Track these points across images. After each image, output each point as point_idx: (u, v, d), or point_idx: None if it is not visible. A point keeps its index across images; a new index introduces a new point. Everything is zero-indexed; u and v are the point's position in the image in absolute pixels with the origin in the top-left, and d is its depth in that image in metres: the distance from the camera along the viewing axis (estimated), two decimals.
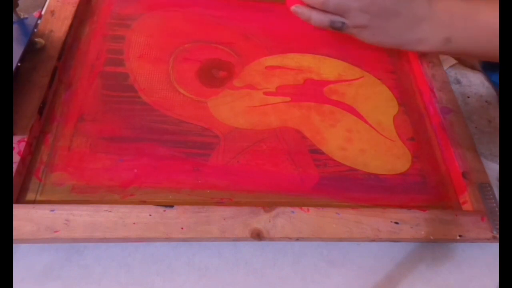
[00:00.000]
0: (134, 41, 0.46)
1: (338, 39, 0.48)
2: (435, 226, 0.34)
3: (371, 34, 0.36)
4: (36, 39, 0.40)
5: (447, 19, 0.35)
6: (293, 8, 0.37)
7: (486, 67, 0.48)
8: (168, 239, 0.31)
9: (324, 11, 0.36)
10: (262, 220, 0.32)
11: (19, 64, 0.37)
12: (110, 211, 0.31)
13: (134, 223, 0.31)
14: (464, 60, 0.51)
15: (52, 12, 0.44)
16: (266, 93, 0.44)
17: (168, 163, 0.37)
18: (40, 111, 0.37)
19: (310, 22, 0.37)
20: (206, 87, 0.43)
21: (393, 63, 0.49)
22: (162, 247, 0.33)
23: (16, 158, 0.33)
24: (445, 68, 0.49)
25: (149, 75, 0.43)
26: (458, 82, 0.49)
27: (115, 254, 0.32)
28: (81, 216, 0.31)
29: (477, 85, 0.49)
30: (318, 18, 0.36)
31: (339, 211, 0.34)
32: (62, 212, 0.31)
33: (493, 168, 0.41)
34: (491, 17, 0.34)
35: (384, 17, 0.35)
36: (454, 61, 0.51)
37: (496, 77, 0.47)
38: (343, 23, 0.36)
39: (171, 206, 0.32)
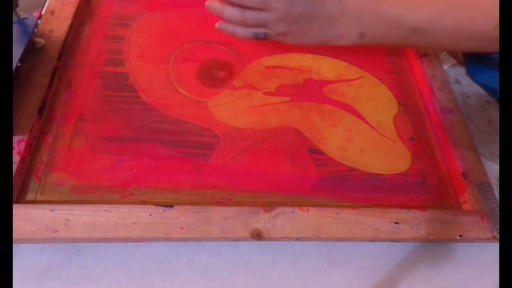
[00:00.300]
0: (134, 41, 0.46)
1: None
2: (435, 226, 0.34)
3: (295, 38, 0.39)
4: (36, 39, 0.40)
5: (357, 16, 0.38)
6: (217, 25, 0.39)
7: (470, 67, 0.49)
8: (168, 239, 0.31)
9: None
10: (262, 220, 0.32)
11: (19, 64, 0.37)
12: (110, 211, 0.31)
13: (134, 223, 0.31)
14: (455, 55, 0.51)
15: (52, 12, 0.44)
16: (266, 93, 0.44)
17: (168, 163, 0.37)
18: (40, 111, 0.37)
19: (235, 36, 0.39)
20: (206, 87, 0.43)
21: (393, 63, 0.49)
22: (162, 247, 0.33)
23: (16, 158, 0.33)
24: (445, 68, 0.49)
25: (149, 75, 0.43)
26: (458, 82, 0.49)
27: (115, 254, 0.32)
28: (81, 216, 0.31)
29: (477, 85, 0.49)
30: (241, 32, 0.38)
31: (339, 211, 0.34)
32: (62, 212, 0.31)
33: (493, 168, 0.41)
34: (393, 8, 0.37)
35: (301, 22, 0.37)
36: (454, 61, 0.51)
37: (481, 77, 0.48)
38: (265, 33, 0.38)
39: (171, 206, 0.32)
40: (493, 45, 0.35)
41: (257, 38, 0.38)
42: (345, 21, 0.38)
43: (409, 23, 0.37)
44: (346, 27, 0.38)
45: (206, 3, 0.38)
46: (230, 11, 0.37)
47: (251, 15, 0.37)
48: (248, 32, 0.38)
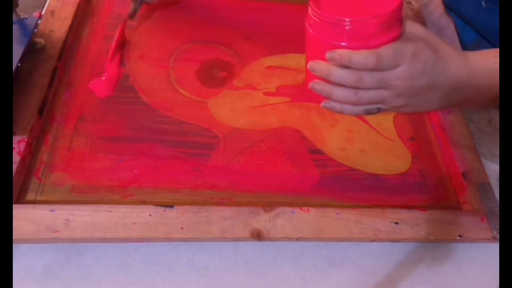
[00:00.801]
0: (134, 41, 0.46)
1: None
2: (435, 226, 0.34)
3: (411, 109, 0.33)
4: (36, 39, 0.40)
5: (489, 78, 0.33)
6: (323, 104, 0.33)
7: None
8: (168, 239, 0.31)
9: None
10: (262, 220, 0.32)
11: (19, 64, 0.37)
12: (110, 211, 0.31)
13: (134, 223, 0.31)
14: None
15: (52, 12, 0.44)
16: (266, 93, 0.44)
17: (168, 163, 0.37)
18: (40, 111, 0.37)
19: (343, 113, 0.34)
20: (206, 87, 0.43)
21: None
22: (162, 247, 0.33)
23: (16, 158, 0.33)
24: None
25: (149, 75, 0.43)
26: None
27: (115, 254, 0.32)
28: (81, 216, 0.31)
29: None
30: (351, 110, 0.33)
31: (339, 211, 0.34)
32: (62, 212, 0.31)
33: (493, 168, 0.41)
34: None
35: (422, 94, 0.32)
36: None
37: (467, 35, 0.46)
38: (379, 108, 0.33)
39: (171, 206, 0.32)
40: None
41: (368, 114, 0.33)
42: (473, 86, 0.33)
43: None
44: (473, 92, 0.33)
45: (310, 84, 0.33)
46: (341, 93, 0.32)
47: (367, 95, 0.32)
48: (359, 109, 0.33)
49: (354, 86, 0.31)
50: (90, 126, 0.38)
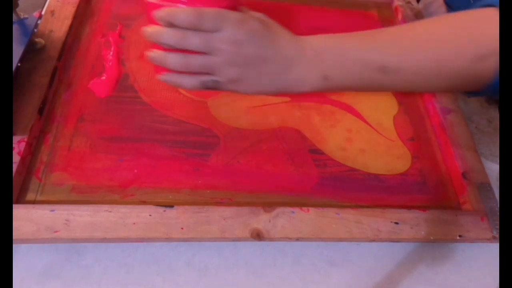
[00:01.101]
0: (134, 41, 0.46)
1: None
2: (435, 226, 0.34)
3: (249, 86, 0.33)
4: (36, 39, 0.40)
5: (318, 57, 0.33)
6: (162, 77, 0.33)
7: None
8: (168, 239, 0.31)
9: (192, 73, 0.33)
10: (262, 220, 0.32)
11: (19, 64, 0.37)
12: (110, 211, 0.31)
13: (134, 223, 0.31)
14: None
15: (52, 12, 0.44)
16: None
17: (168, 163, 0.37)
18: (40, 111, 0.37)
19: (183, 87, 0.34)
20: None
21: None
22: (162, 247, 0.33)
23: (16, 158, 0.33)
24: None
25: (149, 75, 0.43)
26: None
27: (115, 254, 0.32)
28: (81, 216, 0.31)
29: None
30: (188, 82, 0.33)
31: (339, 211, 0.34)
32: (62, 212, 0.31)
33: (493, 168, 0.41)
34: (357, 48, 0.33)
35: (254, 66, 0.33)
36: None
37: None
38: (215, 81, 0.33)
39: (171, 206, 0.32)
40: (473, 81, 0.32)
41: (206, 87, 0.33)
42: (305, 63, 0.33)
43: (375, 63, 0.33)
44: (306, 71, 0.33)
45: (148, 54, 0.32)
46: (173, 58, 0.32)
47: (195, 60, 0.32)
48: (195, 81, 0.33)
49: (182, 46, 0.31)
50: (90, 126, 0.38)
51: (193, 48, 0.31)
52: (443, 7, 0.52)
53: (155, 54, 0.32)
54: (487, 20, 0.31)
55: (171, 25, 0.30)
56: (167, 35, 0.31)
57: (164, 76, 0.33)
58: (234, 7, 0.32)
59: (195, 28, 0.30)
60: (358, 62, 0.33)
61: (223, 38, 0.31)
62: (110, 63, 0.43)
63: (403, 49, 0.33)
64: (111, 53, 0.44)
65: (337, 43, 0.34)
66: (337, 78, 0.34)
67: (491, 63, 0.31)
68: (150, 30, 0.31)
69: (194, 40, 0.31)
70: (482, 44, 0.31)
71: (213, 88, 0.33)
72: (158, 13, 0.30)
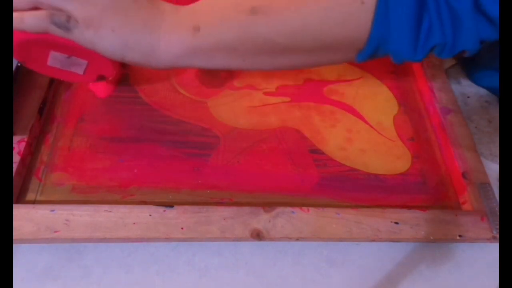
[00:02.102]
0: None
1: None
2: (435, 226, 0.34)
3: (108, 35, 0.28)
4: None
5: (190, 9, 0.30)
6: None
7: (473, 74, 0.47)
8: (168, 239, 0.31)
9: (37, 8, 0.27)
10: (262, 220, 0.32)
11: (19, 64, 0.37)
12: (110, 211, 0.31)
13: (134, 223, 0.31)
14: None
15: None
16: (266, 93, 0.44)
17: (168, 163, 0.37)
18: (40, 111, 0.37)
19: (24, 28, 0.28)
20: (206, 87, 0.43)
21: (393, 63, 0.49)
22: (162, 247, 0.33)
23: (16, 158, 0.33)
24: (445, 68, 0.49)
25: (149, 75, 0.43)
26: (458, 82, 0.49)
27: (115, 254, 0.32)
28: (81, 216, 0.31)
29: (477, 85, 0.49)
30: (33, 19, 0.27)
31: (339, 211, 0.34)
32: (62, 212, 0.31)
33: (493, 168, 0.41)
34: None
35: (117, 6, 0.27)
36: (454, 61, 0.51)
37: (487, 81, 0.46)
38: (67, 16, 0.27)
39: (171, 206, 0.32)
40: (362, 29, 0.29)
41: (54, 22, 0.27)
42: (177, 16, 0.30)
43: (246, 3, 0.29)
44: (177, 22, 0.30)
45: None
46: None
47: None
48: (43, 16, 0.27)
49: None
50: (90, 126, 0.38)
51: None
52: None
53: None
54: None
55: None
56: None
57: None
58: None
59: None
60: (229, 7, 0.30)
61: None
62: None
63: None
64: None
65: None
66: (208, 28, 0.30)
67: None
68: None
69: None
70: None
71: (63, 27, 0.27)
72: None
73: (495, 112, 0.46)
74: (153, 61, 0.30)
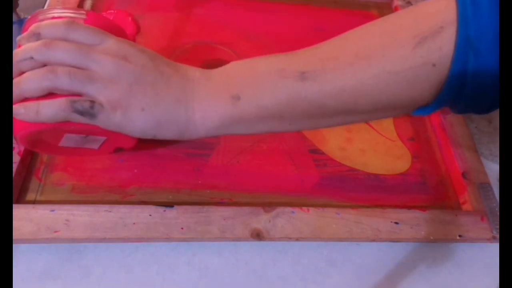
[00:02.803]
0: (135, 41, 0.46)
1: None
2: (435, 226, 0.34)
3: (136, 117, 0.25)
4: None
5: (225, 77, 0.28)
6: (14, 110, 0.25)
7: None
8: (168, 239, 0.31)
9: (53, 95, 0.24)
10: (262, 220, 0.32)
11: None
12: (110, 211, 0.31)
13: (134, 223, 0.31)
14: None
15: None
16: None
17: (168, 163, 0.37)
18: None
19: (42, 120, 0.24)
20: None
21: None
22: (162, 247, 0.33)
23: (16, 158, 0.33)
24: None
25: None
26: None
27: (115, 254, 0.32)
28: (81, 216, 0.31)
29: None
30: (50, 106, 0.24)
31: (339, 211, 0.34)
32: (62, 212, 0.31)
33: (493, 168, 0.41)
34: (270, 61, 0.28)
35: (143, 85, 0.25)
36: None
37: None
38: (90, 102, 0.24)
39: (171, 206, 0.32)
40: (422, 79, 0.25)
41: (76, 110, 0.24)
42: (211, 85, 0.28)
43: (292, 69, 0.26)
44: (213, 92, 0.27)
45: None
46: (31, 75, 0.24)
47: (64, 72, 0.23)
48: (63, 103, 0.24)
49: (47, 56, 0.23)
50: None
51: (63, 58, 0.23)
52: None
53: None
54: (431, 5, 0.25)
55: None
56: (25, 47, 0.23)
57: (19, 109, 0.24)
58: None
59: (64, 38, 0.24)
60: (273, 73, 0.27)
61: (105, 49, 0.24)
62: None
63: (324, 50, 0.27)
64: None
65: (248, 61, 0.29)
66: (249, 95, 0.27)
67: (439, 43, 0.24)
68: (15, 53, 0.24)
69: (65, 46, 0.23)
70: (423, 22, 0.25)
71: (87, 114, 0.24)
72: (20, 36, 0.24)
73: (495, 112, 0.46)
74: (187, 135, 0.28)
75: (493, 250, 0.36)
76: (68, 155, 0.34)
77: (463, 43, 0.24)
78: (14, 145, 0.33)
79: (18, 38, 0.24)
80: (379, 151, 0.41)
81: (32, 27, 0.24)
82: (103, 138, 0.30)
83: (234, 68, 0.29)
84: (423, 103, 0.28)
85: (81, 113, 0.24)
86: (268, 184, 0.37)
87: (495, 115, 0.46)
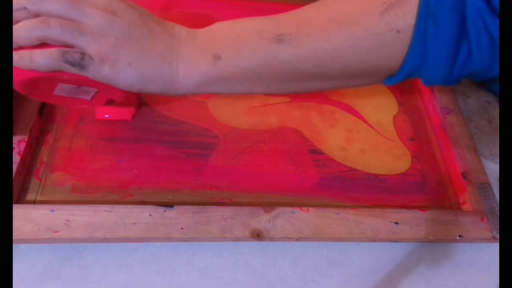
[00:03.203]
0: None
1: None
2: (435, 226, 0.34)
3: (124, 69, 0.26)
4: None
5: (209, 36, 0.29)
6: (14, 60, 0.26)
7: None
8: (168, 239, 0.31)
9: (46, 45, 0.25)
10: (262, 220, 0.32)
11: None
12: (110, 211, 0.31)
13: (134, 223, 0.31)
14: None
15: None
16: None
17: (168, 163, 0.37)
18: (40, 111, 0.37)
19: (33, 67, 0.26)
20: None
21: None
22: (162, 247, 0.33)
23: (16, 158, 0.33)
24: None
25: None
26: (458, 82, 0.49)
27: (115, 254, 0.32)
28: (81, 216, 0.31)
29: (477, 84, 0.49)
30: (45, 57, 0.25)
31: (339, 211, 0.34)
32: (62, 212, 0.31)
33: (493, 168, 0.41)
34: (250, 23, 0.30)
35: (132, 38, 0.26)
36: None
37: (494, 86, 0.45)
38: (80, 53, 0.25)
39: (171, 206, 0.32)
40: (388, 47, 0.27)
41: (67, 61, 0.25)
42: (196, 43, 0.29)
43: (270, 31, 0.28)
44: (196, 50, 0.29)
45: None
46: (25, 24, 0.25)
47: (56, 22, 0.24)
48: (54, 53, 0.25)
49: (39, 7, 0.25)
50: (90, 127, 0.38)
51: (55, 9, 0.25)
52: None
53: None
54: None
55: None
56: None
57: (14, 56, 0.25)
58: None
59: None
60: (252, 34, 0.29)
61: (95, 2, 0.26)
62: None
63: (300, 15, 0.29)
64: None
65: (231, 22, 0.30)
66: (229, 55, 0.29)
67: (404, 9, 0.26)
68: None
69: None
70: None
71: (77, 65, 0.25)
72: None
73: (495, 112, 0.46)
74: (172, 91, 0.30)
75: (493, 250, 0.36)
76: (62, 104, 0.36)
77: (425, 10, 0.25)
78: (14, 145, 0.34)
79: None
80: (379, 151, 0.41)
81: None
82: (94, 90, 0.31)
83: (218, 29, 0.30)
84: (390, 71, 0.30)
85: (72, 64, 0.25)
86: (268, 184, 0.37)
87: (495, 115, 0.46)
